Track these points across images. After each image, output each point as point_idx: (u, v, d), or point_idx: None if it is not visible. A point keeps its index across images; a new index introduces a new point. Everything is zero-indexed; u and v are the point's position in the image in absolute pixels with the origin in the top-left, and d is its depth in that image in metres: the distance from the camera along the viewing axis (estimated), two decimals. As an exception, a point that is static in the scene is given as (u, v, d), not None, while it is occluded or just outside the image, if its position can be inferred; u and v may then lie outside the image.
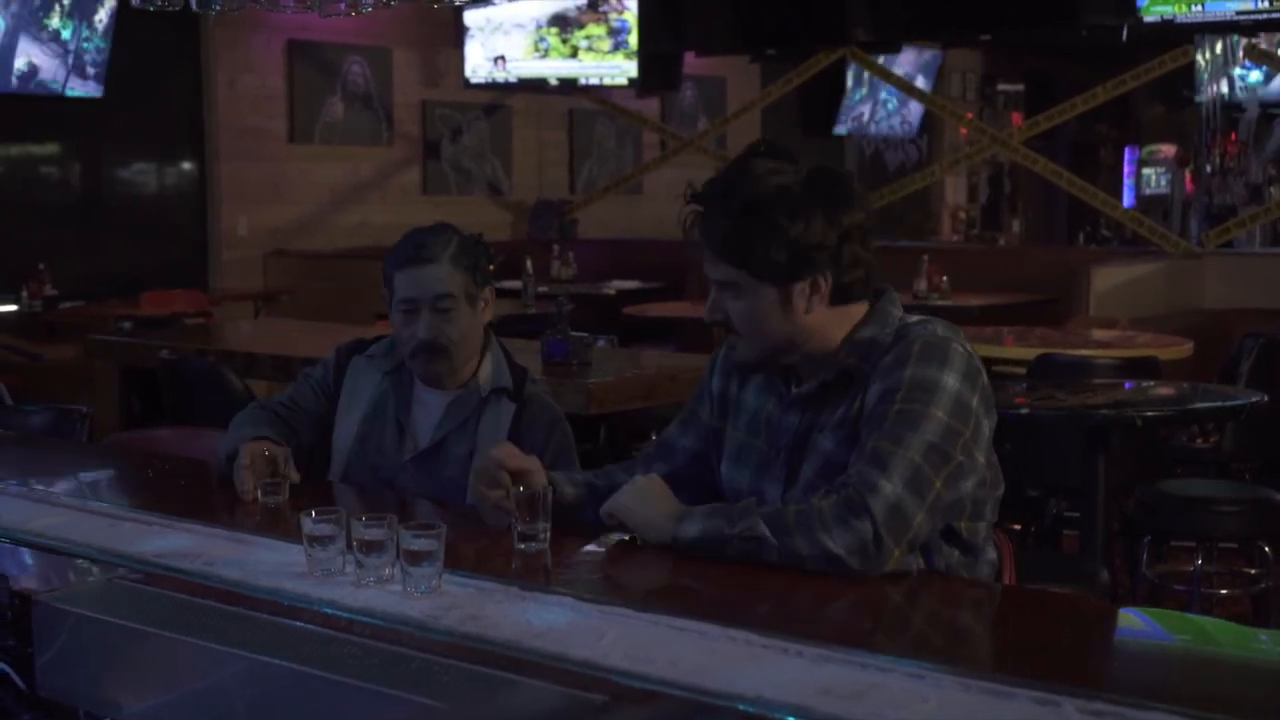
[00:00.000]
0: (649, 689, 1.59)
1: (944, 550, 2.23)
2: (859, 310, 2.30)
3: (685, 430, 2.52)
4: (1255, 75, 11.64)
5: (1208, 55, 9.47)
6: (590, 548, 2.27)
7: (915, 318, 2.30)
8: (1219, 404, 4.47)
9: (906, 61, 12.87)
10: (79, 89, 8.62)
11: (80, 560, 2.14)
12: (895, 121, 14.30)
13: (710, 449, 2.47)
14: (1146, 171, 16.67)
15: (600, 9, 10.37)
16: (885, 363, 2.21)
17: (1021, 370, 5.34)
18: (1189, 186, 14.81)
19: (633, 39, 10.22)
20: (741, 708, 1.53)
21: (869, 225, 2.27)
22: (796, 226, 2.19)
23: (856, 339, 2.28)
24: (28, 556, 2.19)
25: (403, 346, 2.94)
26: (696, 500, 2.27)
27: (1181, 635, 1.76)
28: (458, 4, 9.17)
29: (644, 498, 2.27)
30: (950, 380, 2.15)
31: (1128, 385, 4.77)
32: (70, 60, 8.56)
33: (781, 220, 2.20)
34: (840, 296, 2.27)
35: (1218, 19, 7.83)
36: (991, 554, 2.32)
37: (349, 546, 2.01)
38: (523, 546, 2.16)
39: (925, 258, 7.83)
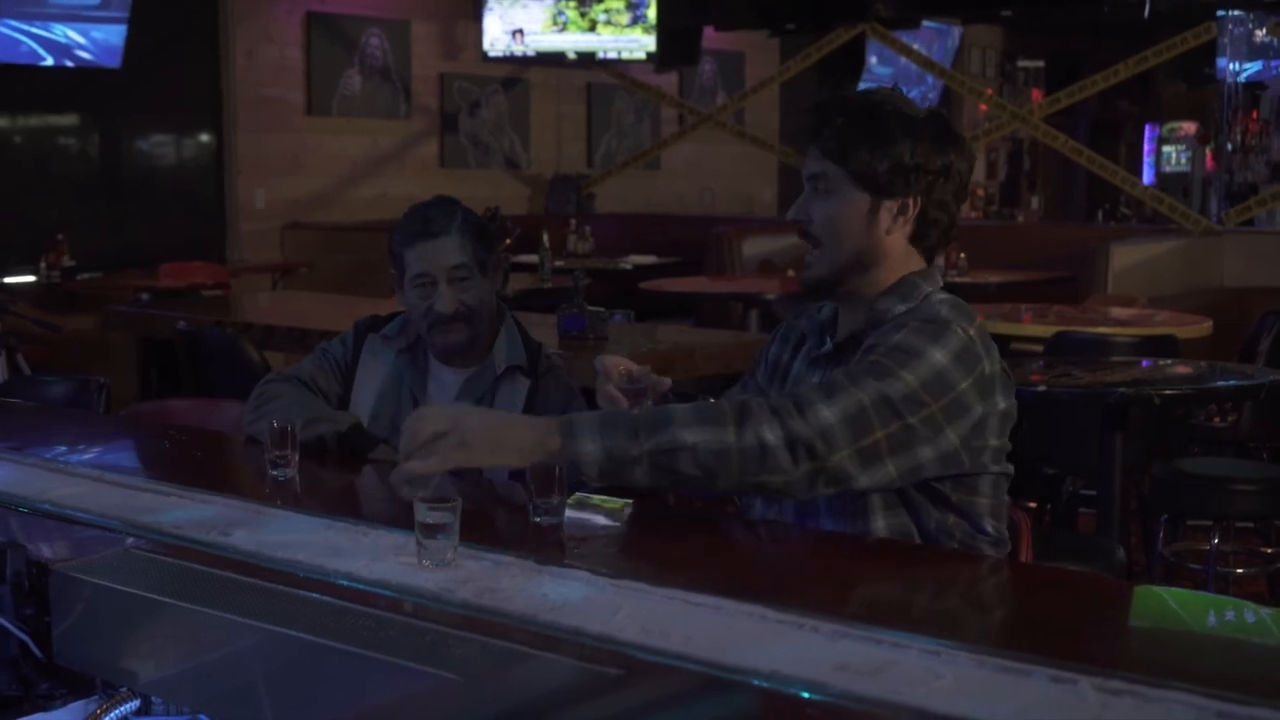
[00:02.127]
0: (664, 663, 1.59)
1: (933, 512, 2.23)
2: (918, 264, 2.33)
3: (743, 390, 2.55)
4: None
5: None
6: (606, 521, 2.27)
7: (941, 295, 2.30)
8: (1237, 383, 4.45)
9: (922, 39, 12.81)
10: (97, 60, 8.63)
11: (97, 530, 2.15)
12: (916, 98, 14.24)
13: None
14: (1167, 149, 16.61)
15: (619, -18, 10.34)
16: (886, 327, 2.23)
17: (1039, 348, 5.33)
18: (1209, 164, 14.76)
19: (651, 13, 10.19)
20: (756, 683, 1.53)
21: (966, 179, 2.33)
22: (905, 143, 2.25)
23: (876, 307, 2.29)
24: (45, 526, 2.20)
25: (420, 321, 2.95)
26: None
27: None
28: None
29: (461, 418, 2.11)
30: (936, 355, 2.15)
31: (1145, 364, 4.75)
32: (90, 31, 8.56)
33: (893, 131, 2.25)
34: (921, 232, 2.31)
35: (1241, -5, 7.79)
36: (991, 528, 2.28)
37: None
38: (538, 519, 2.16)
39: (944, 234, 7.79)
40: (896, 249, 2.30)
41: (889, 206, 2.28)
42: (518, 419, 2.24)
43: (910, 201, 2.28)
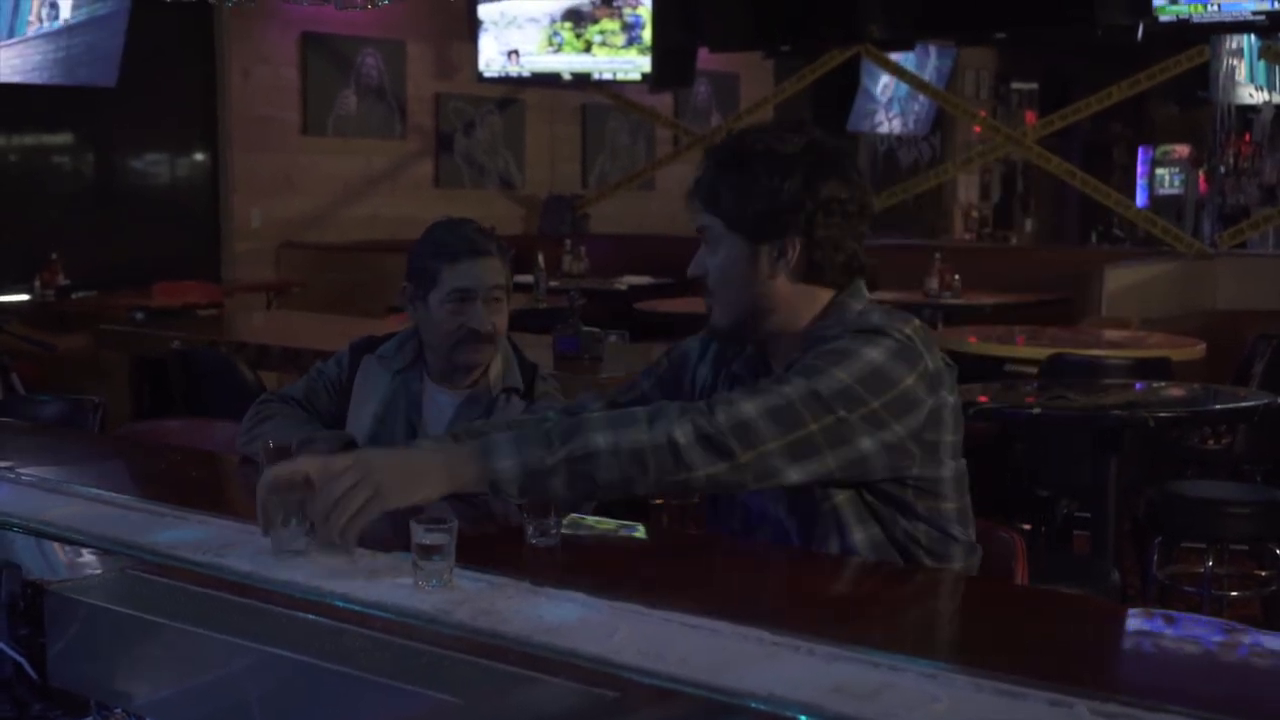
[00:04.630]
0: (660, 686, 1.58)
1: (900, 521, 2.20)
2: (825, 296, 2.28)
3: (629, 391, 2.49)
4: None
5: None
6: (602, 543, 2.27)
7: (877, 311, 2.26)
8: (1231, 406, 4.46)
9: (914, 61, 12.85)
10: (93, 79, 8.63)
11: (92, 550, 2.14)
12: (910, 120, 14.28)
13: None
14: (1160, 172, 16.65)
15: (614, 4, 10.36)
16: (817, 342, 2.19)
17: (1033, 370, 5.34)
18: (1202, 187, 14.79)
19: (646, 34, 10.21)
20: (753, 705, 1.52)
21: (854, 209, 2.24)
22: (772, 182, 2.20)
23: (812, 334, 2.24)
24: (40, 546, 2.20)
25: (447, 338, 2.95)
26: None
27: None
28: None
29: (372, 467, 2.02)
30: (871, 353, 2.12)
31: (1139, 386, 4.76)
32: (84, 50, 8.57)
33: (759, 173, 2.21)
34: (809, 273, 2.24)
35: (1234, 19, 7.81)
36: (959, 534, 2.25)
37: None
38: (535, 541, 2.16)
39: (937, 256, 7.82)
40: (787, 292, 2.25)
41: (767, 251, 2.23)
42: (429, 451, 2.14)
43: (789, 243, 2.22)
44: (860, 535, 2.21)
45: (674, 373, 2.47)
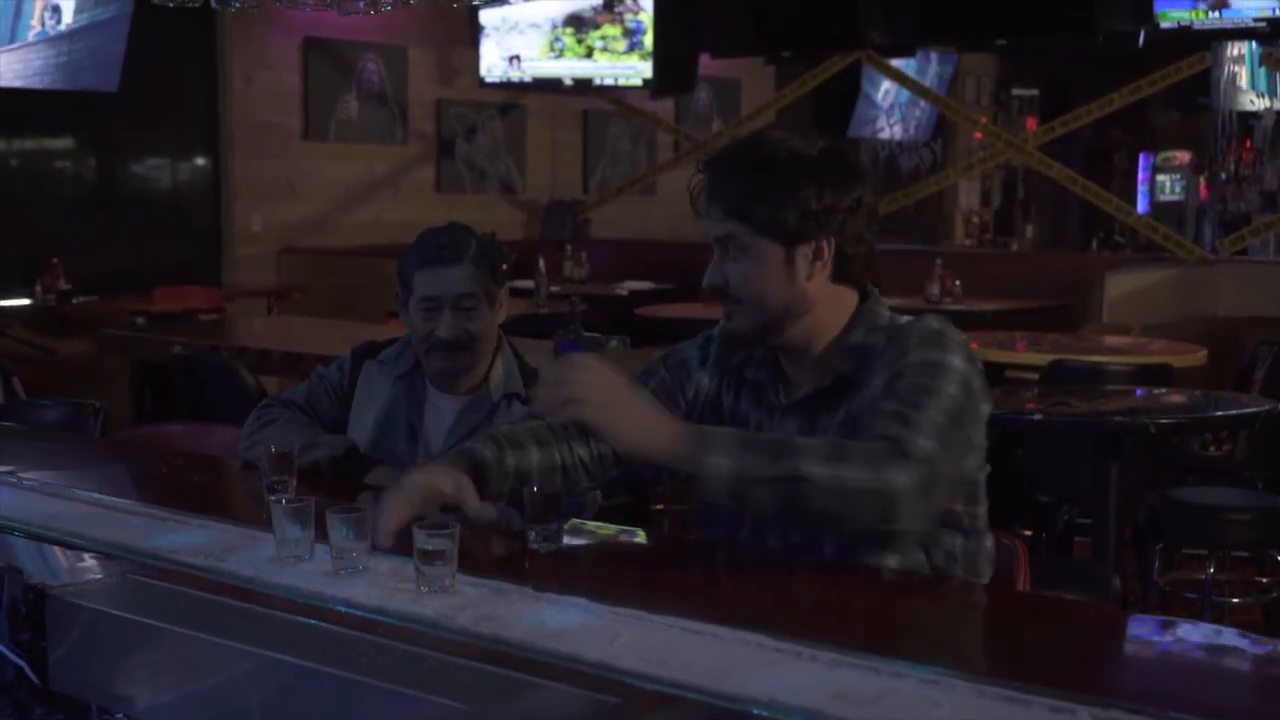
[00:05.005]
0: (662, 691, 1.58)
1: (944, 538, 2.21)
2: (852, 299, 2.31)
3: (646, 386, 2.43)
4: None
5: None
6: (604, 548, 2.27)
7: (905, 317, 2.29)
8: (1232, 412, 4.46)
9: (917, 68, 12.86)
10: (94, 84, 8.63)
11: (94, 555, 2.14)
12: (911, 125, 14.29)
13: None
14: (1161, 178, 16.66)
15: (616, 10, 10.37)
16: (886, 355, 2.20)
17: (1034, 376, 5.33)
18: (1203, 193, 14.80)
19: (648, 40, 10.22)
20: (755, 712, 1.53)
21: (874, 207, 2.29)
22: (808, 188, 2.21)
23: (847, 344, 2.27)
24: (42, 551, 2.20)
25: (420, 344, 2.95)
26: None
27: None
28: (474, 3, 9.20)
29: (615, 390, 2.12)
30: (956, 361, 2.16)
31: (1140, 392, 4.76)
32: (86, 55, 8.58)
33: (793, 180, 2.22)
34: (840, 271, 2.27)
35: (1235, 25, 7.81)
36: (989, 542, 2.29)
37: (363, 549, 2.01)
38: (537, 547, 2.16)
39: (938, 262, 7.82)
40: (821, 292, 2.27)
41: (804, 253, 2.24)
42: (661, 408, 2.18)
43: (824, 244, 2.24)
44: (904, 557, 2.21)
45: (673, 380, 2.46)
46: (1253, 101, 12.02)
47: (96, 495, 2.54)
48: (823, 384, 2.27)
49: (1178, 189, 16.50)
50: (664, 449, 2.08)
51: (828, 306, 2.28)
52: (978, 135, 12.97)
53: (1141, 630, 1.93)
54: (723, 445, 2.05)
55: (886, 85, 13.33)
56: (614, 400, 2.11)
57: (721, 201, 2.26)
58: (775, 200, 2.22)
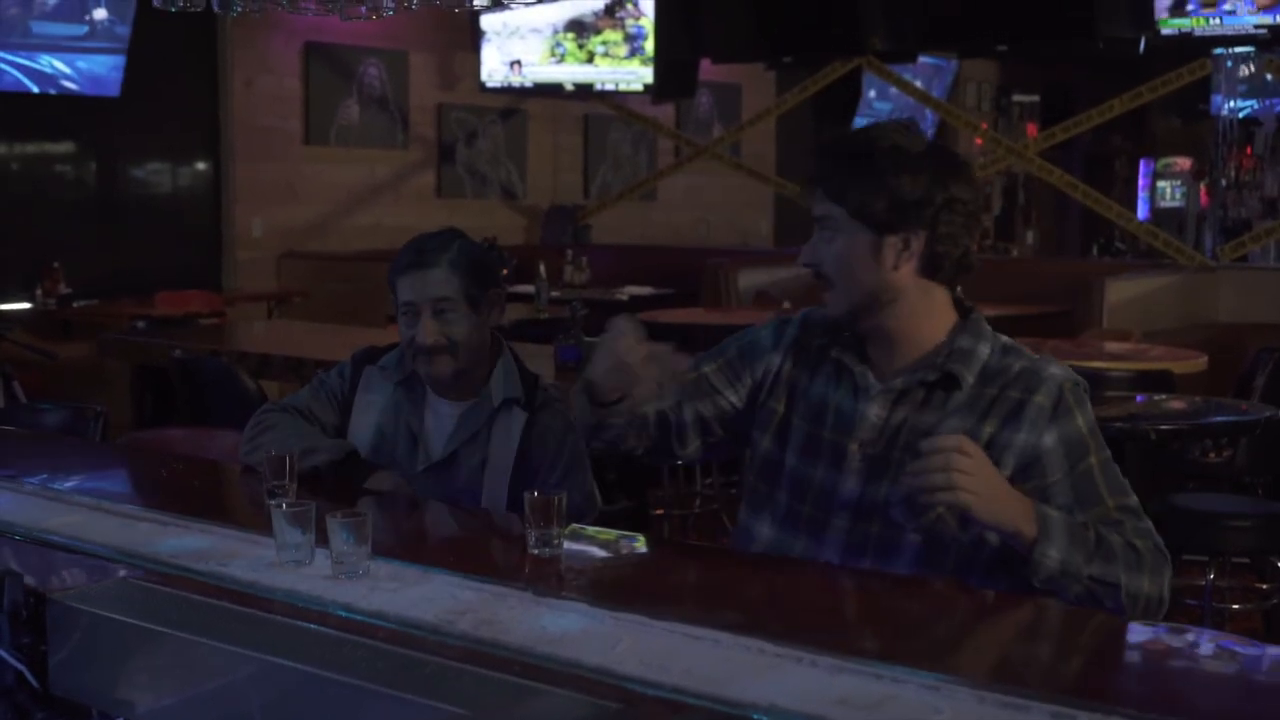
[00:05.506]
0: (663, 697, 1.58)
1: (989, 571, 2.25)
2: (944, 298, 2.35)
3: (712, 363, 2.54)
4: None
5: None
6: (604, 553, 2.27)
7: (1006, 339, 2.37)
8: (1233, 419, 4.46)
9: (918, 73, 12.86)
10: (95, 88, 8.64)
11: (95, 559, 2.14)
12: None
13: (740, 417, 2.49)
14: (1161, 184, 16.66)
15: (617, 15, 10.38)
16: (1037, 404, 2.26)
17: (1035, 382, 5.32)
18: (1204, 200, 14.79)
19: (649, 45, 10.23)
20: (756, 717, 1.52)
21: (973, 209, 2.32)
22: (900, 179, 2.26)
23: (958, 346, 2.32)
24: (42, 555, 2.20)
25: (407, 349, 2.95)
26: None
27: None
28: (475, 8, 9.20)
29: (989, 474, 2.13)
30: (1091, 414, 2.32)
31: (1141, 399, 4.75)
32: (87, 59, 8.58)
33: (887, 169, 2.27)
34: (930, 266, 2.31)
35: (1236, 32, 7.82)
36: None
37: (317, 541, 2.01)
38: (537, 552, 2.16)
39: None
40: (908, 284, 2.31)
41: (892, 243, 2.28)
42: (1009, 486, 2.20)
43: (914, 236, 2.28)
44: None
45: (741, 359, 2.52)
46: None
47: (96, 500, 2.53)
48: (927, 378, 2.31)
49: (1178, 195, 16.50)
50: (1019, 531, 2.13)
51: (918, 299, 2.33)
52: (978, 141, 12.96)
53: (1141, 637, 1.93)
54: (1057, 535, 2.13)
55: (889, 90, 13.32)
56: (990, 489, 2.11)
57: (823, 183, 2.34)
58: (868, 186, 2.28)
